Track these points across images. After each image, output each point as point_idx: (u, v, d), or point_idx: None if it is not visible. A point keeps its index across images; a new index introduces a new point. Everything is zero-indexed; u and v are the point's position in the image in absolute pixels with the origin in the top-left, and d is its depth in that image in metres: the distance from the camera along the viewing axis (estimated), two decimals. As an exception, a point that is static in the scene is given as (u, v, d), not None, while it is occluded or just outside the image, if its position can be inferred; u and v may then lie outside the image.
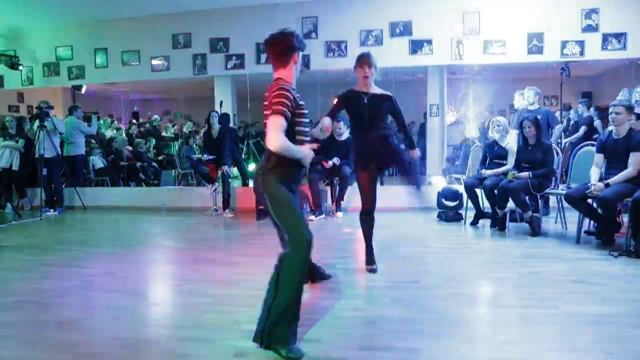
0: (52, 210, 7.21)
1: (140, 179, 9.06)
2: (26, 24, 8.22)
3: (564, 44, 6.79)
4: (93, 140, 8.93)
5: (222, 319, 2.75)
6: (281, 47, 2.43)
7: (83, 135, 7.89)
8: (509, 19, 6.89)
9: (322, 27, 7.41)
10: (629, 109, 4.30)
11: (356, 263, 3.94)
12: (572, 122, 8.02)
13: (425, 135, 8.02)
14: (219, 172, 6.72)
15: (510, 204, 5.08)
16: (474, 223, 5.49)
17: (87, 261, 4.26)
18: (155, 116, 11.66)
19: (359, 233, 3.78)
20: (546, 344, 2.37)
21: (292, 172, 2.36)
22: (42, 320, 2.82)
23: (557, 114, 6.97)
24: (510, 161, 5.23)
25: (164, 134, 11.52)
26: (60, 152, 7.42)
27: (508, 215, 5.10)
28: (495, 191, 5.08)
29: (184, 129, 11.45)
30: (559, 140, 6.81)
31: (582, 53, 6.76)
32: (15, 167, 7.55)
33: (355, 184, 4.48)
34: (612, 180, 4.14)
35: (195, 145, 9.27)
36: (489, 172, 5.28)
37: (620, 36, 6.62)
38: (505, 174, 5.12)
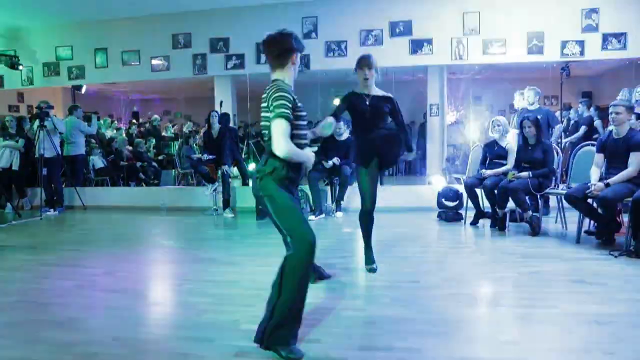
0: (52, 210, 7.21)
1: (140, 179, 9.06)
2: (26, 24, 8.22)
3: (564, 44, 6.79)
4: (93, 140, 8.94)
5: (222, 319, 2.75)
6: (279, 48, 2.40)
7: (83, 135, 7.89)
8: (509, 19, 6.89)
9: (322, 27, 7.41)
10: (629, 108, 4.30)
11: (356, 263, 3.95)
12: (572, 122, 8.02)
13: (425, 135, 8.02)
14: (219, 172, 6.72)
15: (511, 204, 5.08)
16: (474, 223, 5.49)
17: (87, 261, 4.26)
18: (155, 116, 11.66)
19: (359, 233, 3.79)
20: (546, 344, 2.37)
21: (291, 175, 2.34)
22: (42, 320, 2.82)
23: (557, 113, 6.97)
24: (510, 161, 5.24)
25: (164, 133, 11.52)
26: (60, 152, 7.43)
27: (508, 215, 5.10)
28: (495, 191, 5.09)
29: (184, 129, 11.45)
30: (559, 140, 6.81)
31: (582, 53, 6.76)
32: (15, 167, 7.55)
33: (355, 184, 4.48)
34: (612, 180, 4.14)
35: (195, 145, 9.27)
36: (489, 172, 5.27)
37: (620, 36, 6.62)
38: (505, 174, 5.13)
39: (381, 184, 7.10)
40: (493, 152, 5.43)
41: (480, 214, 5.49)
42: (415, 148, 9.23)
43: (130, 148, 9.61)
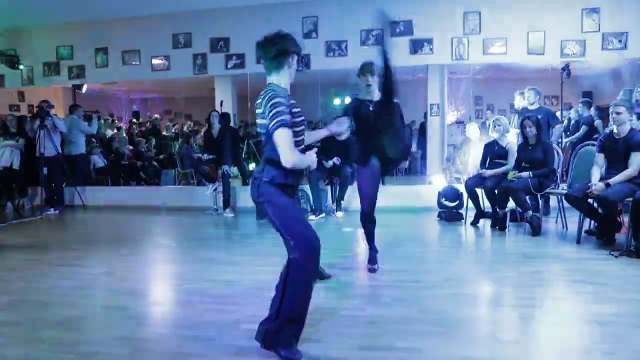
0: (52, 209, 7.21)
1: (140, 178, 9.06)
2: (26, 24, 8.21)
3: (564, 44, 6.79)
4: (94, 140, 8.94)
5: (222, 319, 2.75)
6: (275, 50, 2.27)
7: (83, 135, 7.90)
8: (509, 19, 6.88)
9: (322, 27, 7.40)
10: (630, 108, 4.30)
11: (356, 263, 3.95)
12: (572, 122, 8.01)
13: (426, 135, 8.01)
14: (219, 172, 6.72)
15: (511, 204, 5.08)
16: (474, 223, 5.49)
17: (87, 261, 4.26)
18: (156, 115, 11.66)
19: (359, 233, 3.79)
20: (546, 344, 2.37)
21: (290, 181, 2.30)
22: (42, 320, 2.82)
23: (558, 113, 6.96)
24: (511, 161, 5.23)
25: (164, 133, 11.53)
26: (60, 151, 7.43)
27: (508, 215, 5.09)
28: (496, 191, 5.08)
29: (185, 129, 11.46)
30: (560, 140, 6.80)
31: (582, 53, 6.76)
32: (15, 166, 7.55)
33: (355, 184, 4.48)
34: (613, 180, 4.13)
35: (196, 144, 9.27)
36: (489, 172, 5.27)
37: (620, 36, 6.61)
38: (505, 173, 5.12)
39: (383, 183, 7.11)
40: (493, 152, 5.43)
41: (480, 213, 5.49)
42: (415, 148, 9.25)
43: (131, 147, 9.62)
